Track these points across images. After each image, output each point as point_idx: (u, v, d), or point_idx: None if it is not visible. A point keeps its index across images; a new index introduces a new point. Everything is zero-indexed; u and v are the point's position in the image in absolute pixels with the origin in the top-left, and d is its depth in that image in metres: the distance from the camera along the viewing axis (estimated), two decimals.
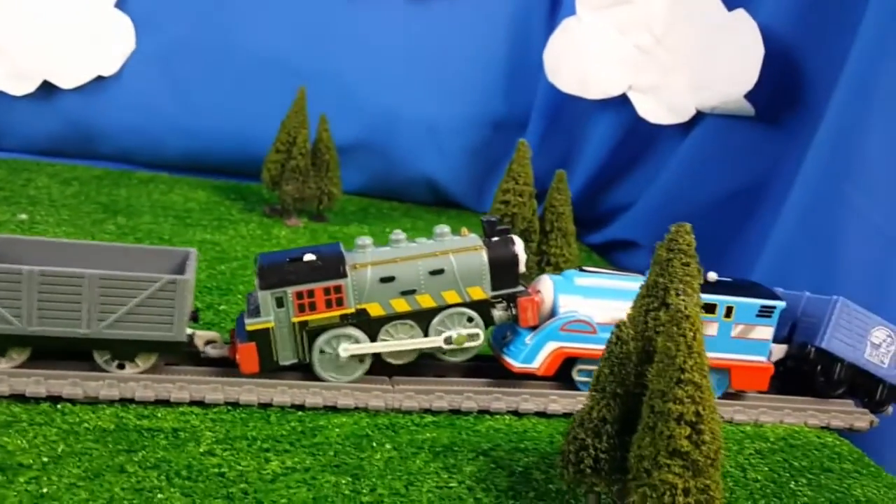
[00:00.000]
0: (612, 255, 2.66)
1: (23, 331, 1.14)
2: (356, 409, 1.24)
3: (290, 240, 2.27)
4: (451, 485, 1.07)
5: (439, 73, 2.68)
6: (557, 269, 1.88)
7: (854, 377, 1.50)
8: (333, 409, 1.23)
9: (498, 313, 1.35)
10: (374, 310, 1.30)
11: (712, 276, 1.47)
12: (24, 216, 2.10)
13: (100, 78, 2.55)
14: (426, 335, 1.32)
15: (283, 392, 1.23)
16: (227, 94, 2.64)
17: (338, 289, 1.27)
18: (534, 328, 1.38)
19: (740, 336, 1.44)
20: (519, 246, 1.37)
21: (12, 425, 1.06)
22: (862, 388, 1.52)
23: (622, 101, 2.42)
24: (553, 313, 1.40)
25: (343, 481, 1.04)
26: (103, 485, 0.96)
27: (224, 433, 1.12)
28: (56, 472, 0.97)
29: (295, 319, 1.26)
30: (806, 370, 1.50)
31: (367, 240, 1.34)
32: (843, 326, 1.49)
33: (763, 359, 1.45)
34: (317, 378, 1.26)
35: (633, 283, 1.43)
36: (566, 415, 1.32)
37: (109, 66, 2.55)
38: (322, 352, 1.25)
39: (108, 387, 1.16)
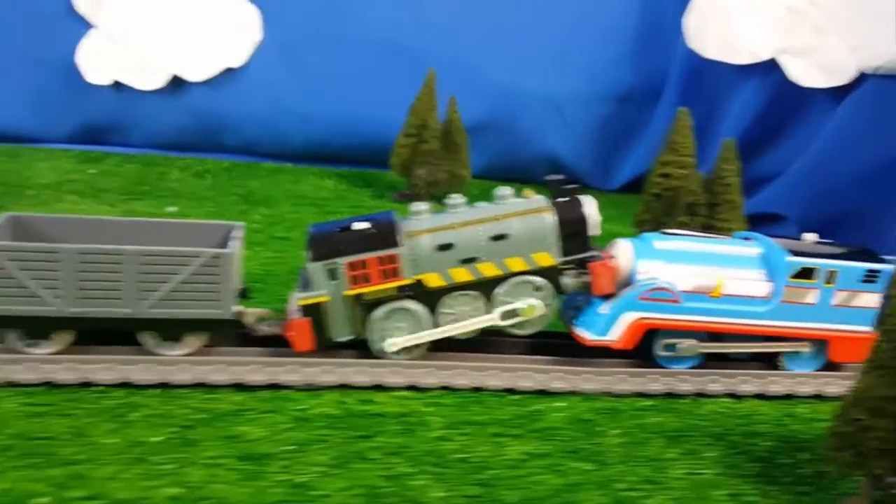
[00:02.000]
0: (755, 230, 2.55)
1: (63, 312, 1.09)
2: (568, 392, 1.20)
3: None
4: (700, 471, 1.01)
5: (563, 49, 2.59)
6: None
7: None
8: (544, 393, 1.19)
9: (568, 281, 1.24)
10: (433, 280, 1.20)
11: (811, 237, 1.34)
12: (173, 209, 2.13)
13: (228, 70, 2.57)
14: (490, 306, 1.22)
15: (495, 376, 1.18)
16: (350, 82, 2.62)
17: (392, 258, 1.18)
18: (609, 297, 1.24)
19: (843, 304, 1.29)
20: (590, 206, 1.26)
21: (242, 413, 1.05)
22: None
23: (768, 66, 2.30)
24: (631, 280, 1.26)
25: (587, 468, 0.99)
26: (354, 472, 0.94)
27: (449, 418, 1.09)
28: (303, 461, 0.95)
29: (349, 292, 1.17)
30: None
31: (423, 205, 1.25)
32: None
33: (868, 328, 1.27)
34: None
35: (721, 246, 1.30)
36: (787, 396, 1.24)
37: (238, 58, 2.56)
38: (378, 330, 1.17)
39: (325, 373, 1.14)
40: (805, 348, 1.25)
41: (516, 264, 1.20)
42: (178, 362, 1.13)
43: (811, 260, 1.25)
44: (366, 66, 2.61)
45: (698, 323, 1.21)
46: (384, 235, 1.17)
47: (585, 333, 1.22)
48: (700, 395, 1.23)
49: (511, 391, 1.18)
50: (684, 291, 1.23)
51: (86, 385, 1.08)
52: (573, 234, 1.22)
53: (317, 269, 1.15)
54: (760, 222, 2.58)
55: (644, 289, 1.22)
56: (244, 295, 1.22)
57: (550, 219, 1.21)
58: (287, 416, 1.05)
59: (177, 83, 2.57)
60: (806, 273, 1.25)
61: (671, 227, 1.76)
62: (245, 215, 2.18)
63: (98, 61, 2.52)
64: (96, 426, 0.99)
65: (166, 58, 2.53)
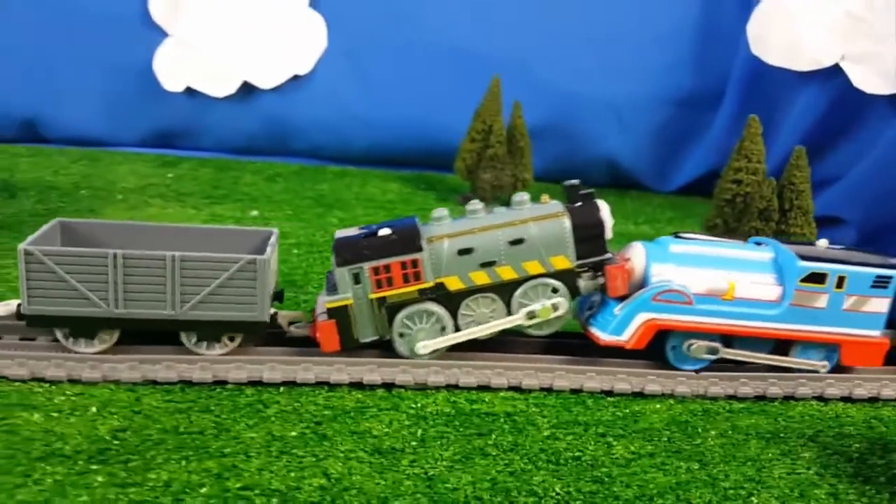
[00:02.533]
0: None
1: (110, 313, 1.16)
2: (662, 395, 1.26)
3: None
4: (798, 471, 1.07)
5: (623, 53, 2.65)
6: None
7: None
8: (640, 395, 1.25)
9: (584, 283, 1.28)
10: (453, 283, 1.25)
11: (822, 243, 1.36)
12: (255, 213, 2.22)
13: (295, 77, 2.66)
14: (509, 308, 1.26)
15: (592, 378, 1.25)
16: (412, 87, 2.70)
17: (414, 263, 1.23)
18: (623, 299, 1.28)
19: (852, 308, 1.31)
20: (604, 211, 1.30)
21: (364, 411, 1.13)
22: None
23: (830, 72, 2.33)
24: (644, 283, 1.30)
25: (693, 467, 1.06)
26: (477, 467, 1.01)
27: (555, 418, 1.15)
28: (429, 455, 1.03)
29: (373, 295, 1.22)
30: None
31: (444, 211, 1.29)
32: None
33: (877, 333, 1.31)
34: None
35: (734, 251, 1.33)
36: (872, 399, 1.29)
37: (304, 65, 2.65)
38: (401, 335, 1.23)
39: (434, 374, 1.22)
40: (822, 367, 1.29)
41: (534, 267, 1.25)
42: (301, 362, 1.21)
43: (821, 265, 1.28)
44: (428, 72, 2.69)
45: (709, 325, 1.26)
46: (406, 241, 1.22)
47: (599, 333, 1.27)
48: (789, 398, 1.29)
49: (609, 393, 1.25)
50: (697, 294, 1.27)
51: (220, 383, 1.18)
52: (588, 237, 1.26)
53: (342, 273, 1.21)
54: (821, 225, 2.62)
55: (657, 291, 1.26)
56: (279, 298, 1.29)
57: (566, 223, 1.25)
58: (405, 414, 1.13)
59: (247, 90, 2.67)
60: (816, 277, 1.28)
61: (748, 233, 1.82)
62: (321, 218, 2.28)
63: (173, 68, 2.62)
64: (237, 421, 1.07)
65: (237, 65, 2.63)
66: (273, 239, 1.25)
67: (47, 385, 1.13)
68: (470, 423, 1.12)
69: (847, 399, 1.29)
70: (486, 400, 1.19)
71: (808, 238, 1.84)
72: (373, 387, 1.20)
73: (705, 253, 1.31)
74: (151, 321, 1.17)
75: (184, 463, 0.97)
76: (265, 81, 2.64)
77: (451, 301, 1.23)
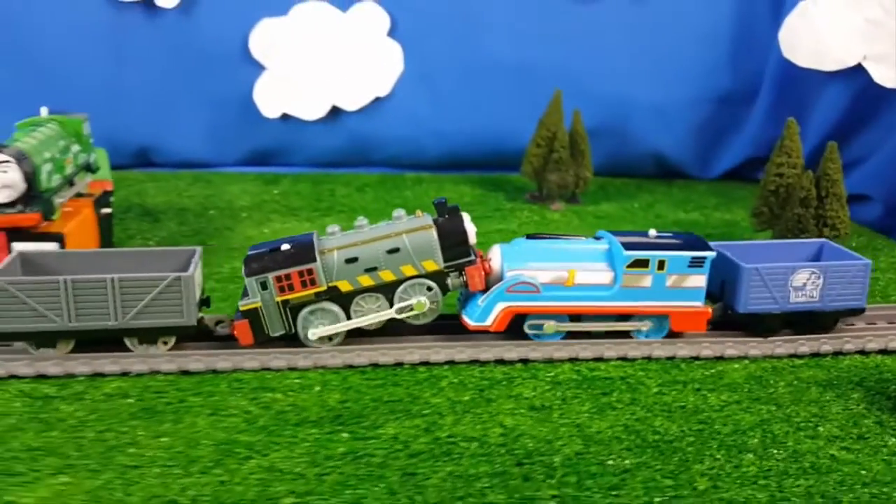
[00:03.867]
0: None
1: (65, 326, 1.45)
2: (738, 357, 1.60)
3: (564, 222, 2.63)
4: (851, 407, 1.41)
5: (668, 60, 2.97)
6: (834, 230, 2.16)
7: (788, 319, 1.64)
8: (721, 359, 1.59)
9: (452, 281, 1.55)
10: (344, 286, 1.52)
11: (652, 233, 1.64)
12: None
13: (377, 99, 3.01)
14: (391, 303, 1.56)
15: (682, 348, 1.60)
16: (479, 100, 3.04)
17: (310, 271, 1.50)
18: (486, 291, 1.57)
19: (675, 285, 1.58)
20: (467, 222, 1.57)
21: (512, 380, 1.48)
22: (801, 324, 1.65)
23: (853, 71, 2.63)
24: (502, 277, 1.58)
25: (770, 409, 1.40)
26: (610, 416, 1.36)
27: (659, 379, 1.50)
28: (571, 410, 1.38)
29: (278, 298, 1.50)
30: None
31: (336, 227, 1.59)
32: (755, 288, 1.60)
33: (699, 304, 1.59)
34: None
35: (575, 246, 1.63)
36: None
37: (384, 88, 3.00)
38: (304, 329, 1.52)
39: (557, 350, 1.57)
40: (644, 326, 1.60)
41: (409, 270, 1.54)
42: (457, 346, 1.57)
43: (642, 252, 1.57)
44: (492, 86, 3.03)
45: (555, 307, 1.58)
46: (302, 254, 1.50)
47: (468, 320, 1.59)
48: (838, 353, 1.63)
49: (696, 358, 1.60)
50: (543, 283, 1.58)
51: (398, 364, 1.53)
52: (453, 244, 1.56)
53: (251, 282, 1.50)
54: (850, 202, 2.93)
55: (510, 283, 1.57)
56: (207, 304, 1.61)
57: (433, 234, 1.55)
58: (543, 381, 1.48)
59: (335, 112, 3.03)
60: (640, 263, 1.57)
61: (788, 221, 2.13)
62: None
63: (270, 98, 2.98)
64: (423, 391, 1.43)
65: (327, 92, 2.98)
66: (196, 256, 1.56)
67: (275, 372, 1.51)
68: (594, 385, 1.47)
69: (883, 352, 1.64)
70: (602, 368, 1.55)
71: (843, 220, 2.16)
72: (512, 362, 1.56)
73: (550, 249, 1.63)
74: (99, 331, 1.47)
75: (398, 422, 1.33)
76: (351, 104, 3.00)
77: (344, 300, 1.54)
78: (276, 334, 1.54)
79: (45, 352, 1.48)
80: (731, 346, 1.62)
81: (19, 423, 1.30)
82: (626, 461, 1.24)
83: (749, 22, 2.90)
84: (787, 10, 2.75)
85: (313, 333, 1.53)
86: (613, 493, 1.17)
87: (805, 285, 1.62)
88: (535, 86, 2.96)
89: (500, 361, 1.56)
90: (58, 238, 1.83)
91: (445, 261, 1.55)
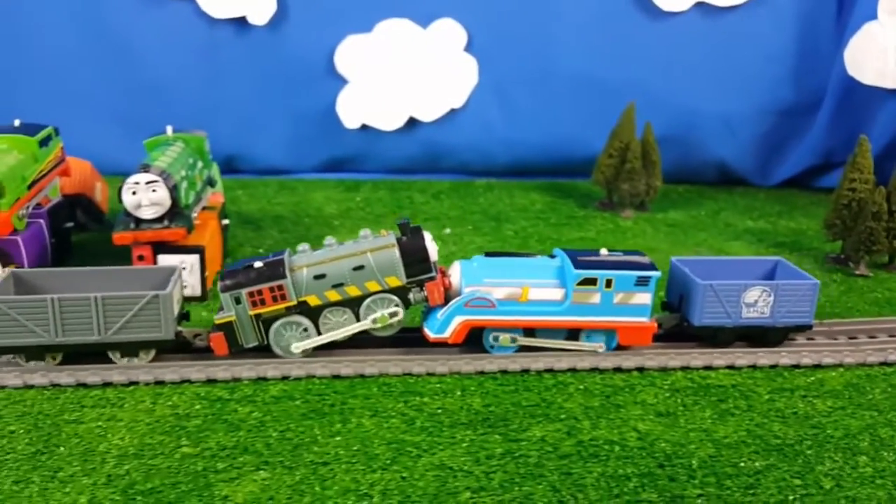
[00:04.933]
0: None
1: (52, 341, 1.57)
2: (834, 365, 1.73)
3: (638, 229, 2.76)
4: None
5: (734, 74, 3.10)
6: None
7: (740, 333, 1.77)
8: (818, 367, 1.73)
9: (413, 296, 1.66)
10: (313, 300, 1.64)
11: (604, 252, 1.76)
12: (448, 231, 2.71)
13: (452, 110, 3.15)
14: (357, 316, 1.66)
15: (784, 356, 1.74)
16: (550, 111, 3.18)
17: (280, 287, 1.61)
18: (445, 305, 1.68)
19: (622, 302, 1.68)
20: (428, 240, 1.67)
21: (634, 387, 1.62)
22: (753, 338, 1.79)
23: None
24: (460, 293, 1.69)
25: (873, 414, 1.54)
26: (730, 422, 1.50)
27: (768, 387, 1.64)
28: (695, 416, 1.52)
29: (251, 312, 1.62)
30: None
31: (306, 245, 1.70)
32: (710, 303, 1.73)
33: (645, 319, 1.70)
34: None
35: (530, 263, 1.73)
36: None
37: (459, 100, 3.14)
38: (277, 337, 1.64)
39: (671, 359, 1.71)
40: (600, 349, 1.72)
41: (373, 286, 1.64)
42: (575, 354, 1.71)
43: (591, 271, 1.69)
44: (562, 97, 3.17)
45: (509, 321, 1.70)
46: (273, 271, 1.62)
47: (428, 332, 1.71)
48: None
49: (796, 366, 1.73)
50: (499, 299, 1.69)
51: (525, 371, 1.67)
52: (415, 261, 1.67)
53: (225, 297, 1.62)
54: None
55: (468, 299, 1.68)
56: (187, 318, 1.74)
57: (396, 252, 1.64)
58: (662, 388, 1.62)
59: (411, 123, 3.17)
60: (589, 281, 1.69)
61: (860, 233, 2.26)
62: (498, 231, 2.74)
63: (351, 109, 3.13)
64: (554, 397, 1.57)
65: (405, 104, 3.13)
66: (175, 275, 1.67)
67: (416, 377, 1.65)
68: (710, 392, 1.61)
69: None
70: (713, 376, 1.68)
71: None
72: (629, 370, 1.70)
73: (507, 266, 1.75)
74: (84, 344, 1.58)
75: (541, 425, 1.47)
76: (427, 116, 3.15)
77: (313, 313, 1.67)
78: (250, 345, 1.68)
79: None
80: (827, 353, 1.76)
81: (206, 423, 1.46)
82: (756, 463, 1.38)
83: (813, 40, 3.04)
84: (851, 30, 2.89)
85: (296, 347, 1.66)
86: (751, 492, 1.31)
87: (757, 302, 1.74)
88: (603, 96, 3.11)
89: (618, 370, 1.71)
90: (199, 250, 2.00)
91: (408, 277, 1.65)
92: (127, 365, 1.64)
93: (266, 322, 1.64)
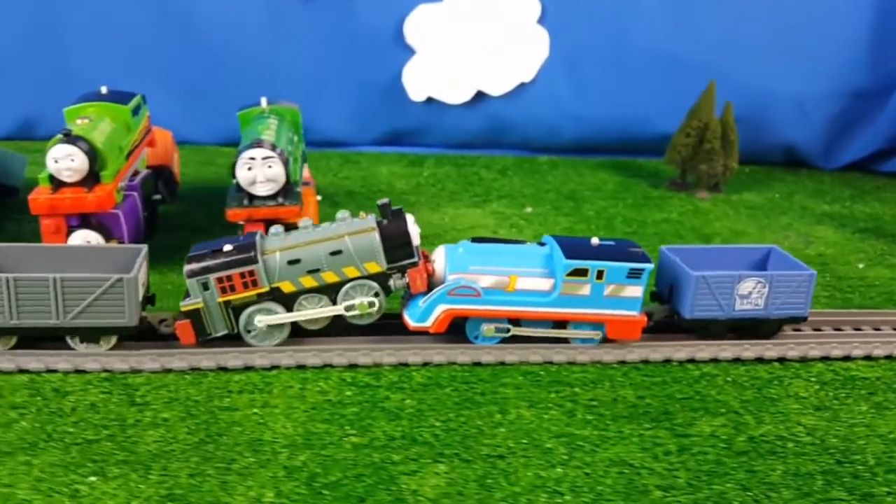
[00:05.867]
0: None
1: (6, 323, 1.46)
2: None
3: (721, 212, 2.70)
4: None
5: (808, 56, 3.05)
6: None
7: (732, 325, 1.70)
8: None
9: (394, 282, 1.56)
10: (287, 287, 1.53)
11: (595, 240, 1.67)
12: (529, 209, 2.65)
13: (521, 84, 3.08)
14: (334, 303, 1.55)
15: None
16: (617, 86, 3.12)
17: (251, 272, 1.50)
18: (429, 292, 1.59)
19: (612, 294, 1.61)
20: (411, 224, 1.57)
21: (782, 380, 1.59)
22: (746, 330, 1.71)
23: None
24: (444, 280, 1.60)
25: None
26: (890, 419, 1.48)
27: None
28: (853, 411, 1.49)
29: (220, 299, 1.51)
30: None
31: (280, 228, 1.59)
32: (702, 295, 1.65)
33: (635, 313, 1.63)
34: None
35: (518, 251, 1.65)
36: None
37: (528, 74, 3.06)
38: (248, 330, 1.55)
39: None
40: (596, 336, 1.64)
41: (351, 272, 1.54)
42: (720, 344, 1.67)
43: (582, 262, 1.61)
44: (633, 74, 3.10)
45: (495, 311, 1.62)
46: (243, 255, 1.51)
47: (409, 320, 1.60)
48: None
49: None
50: (485, 287, 1.62)
51: (667, 361, 1.63)
52: (396, 246, 1.58)
53: (192, 283, 1.51)
54: None
55: (452, 287, 1.58)
56: (152, 302, 1.61)
57: (376, 236, 1.54)
58: (809, 381, 1.59)
59: (479, 97, 3.10)
60: (579, 272, 1.61)
61: None
62: (578, 211, 2.67)
63: (417, 81, 3.04)
64: (706, 389, 1.53)
65: (473, 77, 3.04)
66: (141, 256, 1.55)
67: (557, 366, 1.60)
68: (856, 385, 1.59)
69: None
70: (854, 368, 1.65)
71: None
72: (771, 361, 1.67)
73: (494, 253, 1.67)
74: (41, 328, 1.47)
75: (704, 420, 1.43)
76: (495, 90, 3.07)
77: (287, 301, 1.57)
78: (219, 333, 1.55)
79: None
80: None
81: (364, 411, 1.41)
82: None
83: (888, 24, 2.99)
84: None
85: (260, 321, 1.54)
86: None
87: (751, 293, 1.67)
88: (674, 74, 3.05)
89: (760, 360, 1.67)
90: None
91: (388, 262, 1.55)
92: (270, 348, 1.57)
93: (236, 309, 1.52)
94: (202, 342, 1.55)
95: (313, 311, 1.56)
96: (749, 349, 1.68)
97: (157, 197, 2.21)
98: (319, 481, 1.22)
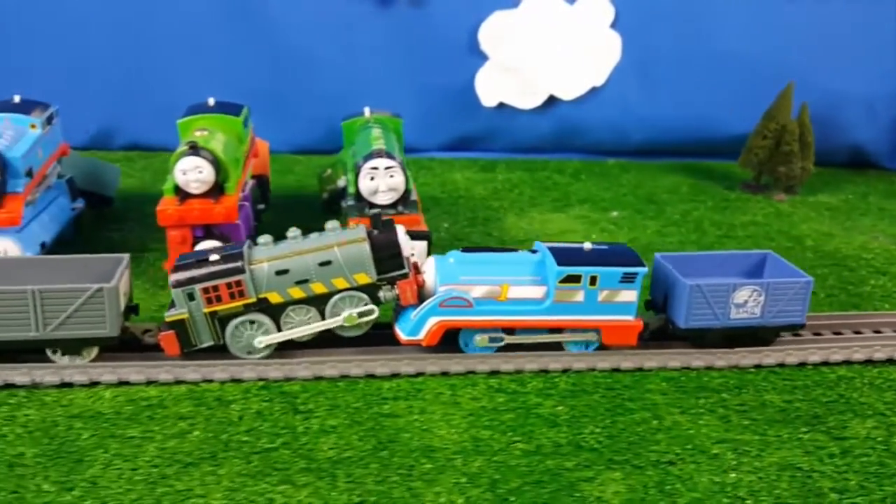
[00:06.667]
0: None
1: None
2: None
3: (803, 214, 2.70)
4: None
5: (879, 57, 3.06)
6: None
7: (728, 334, 1.66)
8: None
9: (384, 294, 1.53)
10: (274, 297, 1.50)
11: (587, 245, 1.65)
12: (615, 213, 2.66)
13: (592, 88, 3.09)
14: (323, 315, 1.52)
15: (880, 350, 1.68)
16: (689, 88, 3.12)
17: (238, 283, 1.47)
18: (419, 304, 1.56)
19: (607, 300, 1.58)
20: (401, 235, 1.55)
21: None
22: (742, 338, 1.67)
23: None
24: (435, 291, 1.57)
25: None
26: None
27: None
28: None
29: (206, 310, 1.48)
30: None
31: (268, 238, 1.56)
32: (697, 304, 1.61)
33: (630, 318, 1.60)
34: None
35: (510, 259, 1.61)
36: None
37: (600, 78, 3.08)
38: (235, 337, 1.51)
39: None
40: (592, 338, 1.61)
41: (340, 283, 1.51)
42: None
43: (574, 268, 1.56)
44: (708, 77, 3.11)
45: (488, 321, 1.60)
46: (230, 265, 1.48)
47: (400, 334, 1.57)
48: None
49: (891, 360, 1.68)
50: (476, 298, 1.56)
51: (802, 364, 1.65)
52: (386, 257, 1.53)
53: (177, 293, 1.47)
54: None
55: (443, 298, 1.55)
56: (135, 311, 1.58)
57: (366, 247, 1.51)
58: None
59: (550, 101, 3.11)
60: (572, 278, 1.59)
61: None
62: (662, 214, 2.67)
63: (489, 86, 3.06)
64: (847, 392, 1.54)
65: (546, 82, 3.06)
66: (122, 266, 1.52)
67: (695, 372, 1.62)
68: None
69: None
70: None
71: None
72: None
73: (485, 262, 1.64)
74: (20, 341, 1.43)
75: (856, 422, 1.44)
76: (567, 94, 3.08)
77: (274, 312, 1.54)
78: (205, 344, 1.52)
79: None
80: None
81: (519, 417, 1.42)
82: None
83: None
84: None
85: (260, 341, 1.52)
86: None
87: (747, 302, 1.63)
88: (745, 76, 3.06)
89: (891, 361, 1.67)
90: (426, 236, 1.93)
91: (378, 274, 1.52)
92: (415, 356, 1.58)
93: (222, 320, 1.50)
94: (187, 354, 1.51)
95: (308, 328, 1.52)
96: (879, 350, 1.69)
97: (262, 207, 2.23)
98: (502, 487, 1.24)
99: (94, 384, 1.47)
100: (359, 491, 1.20)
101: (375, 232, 1.55)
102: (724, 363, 1.64)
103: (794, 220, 2.68)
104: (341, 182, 2.19)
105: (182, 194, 1.81)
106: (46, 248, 1.88)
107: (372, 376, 1.54)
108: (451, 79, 3.06)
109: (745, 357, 1.66)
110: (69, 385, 1.46)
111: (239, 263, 1.48)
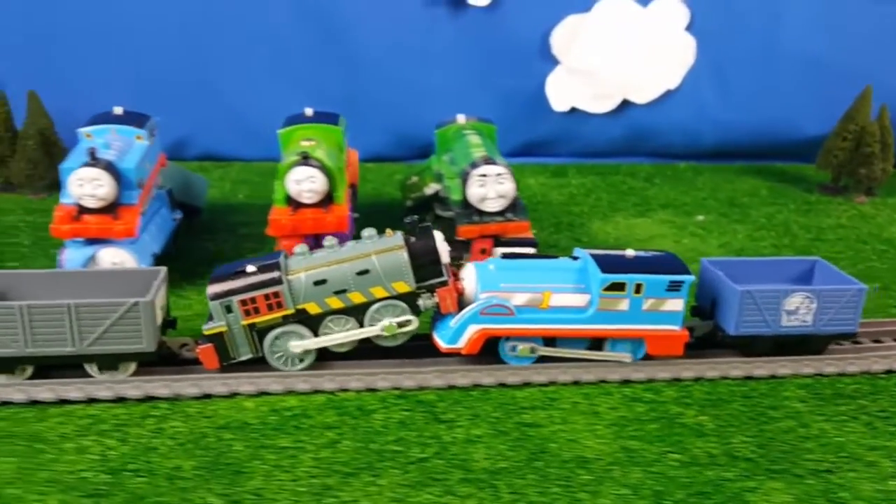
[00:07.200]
0: None
1: (23, 352, 1.41)
2: None
3: (888, 217, 2.64)
4: None
5: None
6: None
7: (779, 341, 1.62)
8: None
9: (423, 302, 1.50)
10: (312, 308, 1.48)
11: (630, 252, 1.60)
12: (701, 217, 2.64)
13: (667, 91, 3.07)
14: (362, 325, 1.50)
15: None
16: (764, 91, 3.09)
17: (276, 294, 1.45)
18: (458, 313, 1.53)
19: (652, 309, 1.53)
20: (439, 242, 1.52)
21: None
22: (792, 346, 1.63)
23: None
24: (475, 299, 1.54)
25: None
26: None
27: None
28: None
29: (244, 322, 1.46)
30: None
31: (304, 247, 1.54)
32: (748, 311, 1.57)
33: (676, 327, 1.55)
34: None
35: (551, 266, 1.58)
36: None
37: (673, 81, 3.05)
38: (273, 352, 1.49)
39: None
40: (627, 358, 1.57)
41: (379, 292, 1.48)
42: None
43: (619, 275, 1.51)
44: (783, 79, 3.07)
45: (529, 330, 1.55)
46: (267, 276, 1.46)
47: (440, 342, 1.54)
48: None
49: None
50: (518, 305, 1.53)
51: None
52: (425, 264, 1.50)
53: (215, 306, 1.46)
54: None
55: (484, 306, 1.51)
56: (173, 325, 1.56)
57: (404, 255, 1.48)
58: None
59: (624, 105, 3.09)
60: (616, 286, 1.54)
61: None
62: (748, 218, 2.63)
63: (561, 91, 3.04)
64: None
65: (619, 86, 3.04)
66: (159, 279, 1.50)
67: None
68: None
69: None
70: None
71: None
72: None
73: (526, 269, 1.60)
74: (57, 356, 1.42)
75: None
76: (642, 98, 3.06)
77: (313, 323, 1.49)
78: (244, 357, 1.49)
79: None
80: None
81: (662, 428, 1.39)
82: None
83: None
84: None
85: (295, 346, 1.49)
86: None
87: (798, 309, 1.60)
88: (820, 78, 3.02)
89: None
90: (533, 242, 1.93)
91: (417, 281, 1.50)
92: (543, 366, 1.55)
93: (261, 332, 1.48)
94: (226, 367, 1.49)
95: (345, 335, 1.49)
96: None
97: (356, 215, 2.23)
98: (667, 499, 1.22)
99: (233, 395, 1.47)
100: (523, 502, 1.19)
101: (413, 239, 1.53)
102: (855, 368, 1.61)
103: (880, 222, 2.63)
104: (429, 189, 2.19)
105: (294, 204, 1.82)
106: (156, 259, 1.89)
107: (503, 385, 1.53)
108: (522, 83, 3.05)
109: (877, 363, 1.63)
110: (208, 396, 1.47)
111: (276, 274, 1.46)
